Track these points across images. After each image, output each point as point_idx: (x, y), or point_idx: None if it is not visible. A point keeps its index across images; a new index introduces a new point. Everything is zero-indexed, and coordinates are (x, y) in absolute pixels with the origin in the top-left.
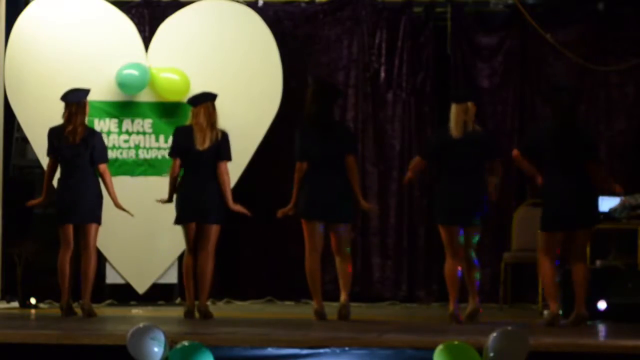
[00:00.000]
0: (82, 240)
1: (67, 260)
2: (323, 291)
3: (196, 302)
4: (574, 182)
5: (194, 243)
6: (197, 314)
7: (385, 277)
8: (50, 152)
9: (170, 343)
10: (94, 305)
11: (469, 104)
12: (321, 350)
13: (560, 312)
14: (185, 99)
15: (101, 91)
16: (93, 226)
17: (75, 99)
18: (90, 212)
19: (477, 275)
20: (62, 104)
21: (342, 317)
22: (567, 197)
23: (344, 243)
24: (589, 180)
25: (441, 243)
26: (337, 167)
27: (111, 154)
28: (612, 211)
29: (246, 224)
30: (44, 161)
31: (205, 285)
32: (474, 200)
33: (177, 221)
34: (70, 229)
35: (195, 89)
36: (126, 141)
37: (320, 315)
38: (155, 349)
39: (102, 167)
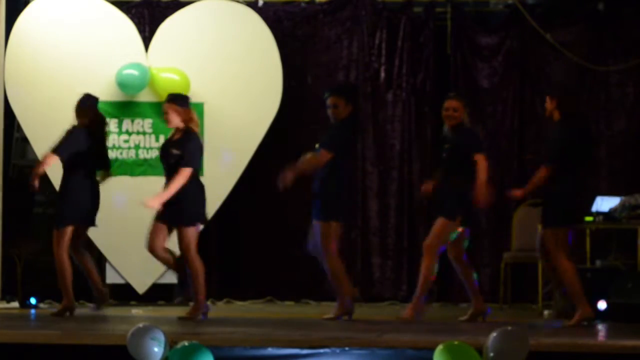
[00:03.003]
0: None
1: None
2: (324, 291)
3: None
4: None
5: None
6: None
7: (385, 277)
8: None
9: (170, 343)
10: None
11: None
12: (321, 350)
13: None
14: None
15: (101, 91)
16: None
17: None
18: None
19: (475, 275)
20: (61, 104)
21: None
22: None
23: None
24: None
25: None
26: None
27: (111, 154)
28: (612, 211)
29: (246, 224)
30: None
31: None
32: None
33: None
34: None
35: (195, 89)
36: (126, 141)
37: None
38: (155, 349)
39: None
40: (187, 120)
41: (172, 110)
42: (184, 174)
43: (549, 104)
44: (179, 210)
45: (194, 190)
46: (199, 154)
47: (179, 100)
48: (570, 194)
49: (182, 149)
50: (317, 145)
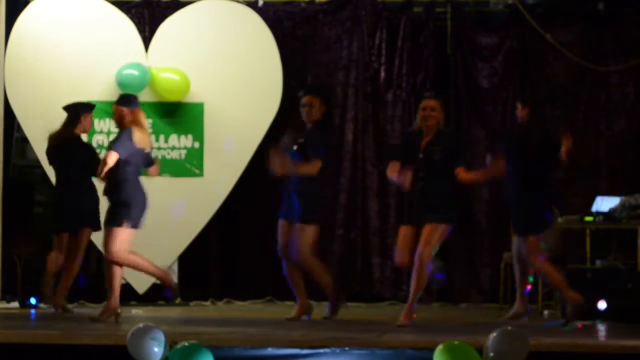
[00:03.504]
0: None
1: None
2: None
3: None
4: None
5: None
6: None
7: (385, 277)
8: None
9: (170, 343)
10: (95, 305)
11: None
12: (321, 350)
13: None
14: (185, 99)
15: (101, 91)
16: None
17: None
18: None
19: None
20: (61, 104)
21: None
22: None
23: None
24: None
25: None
26: None
27: None
28: (612, 211)
29: (246, 224)
30: (44, 161)
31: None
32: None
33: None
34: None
35: (195, 89)
36: None
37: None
38: (155, 349)
39: None
40: (129, 120)
41: (118, 112)
42: (109, 156)
43: (520, 111)
44: (113, 210)
45: (132, 191)
46: (126, 145)
47: (124, 101)
48: (542, 200)
49: (111, 143)
50: (294, 147)
